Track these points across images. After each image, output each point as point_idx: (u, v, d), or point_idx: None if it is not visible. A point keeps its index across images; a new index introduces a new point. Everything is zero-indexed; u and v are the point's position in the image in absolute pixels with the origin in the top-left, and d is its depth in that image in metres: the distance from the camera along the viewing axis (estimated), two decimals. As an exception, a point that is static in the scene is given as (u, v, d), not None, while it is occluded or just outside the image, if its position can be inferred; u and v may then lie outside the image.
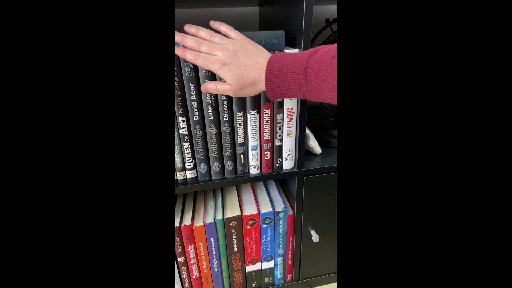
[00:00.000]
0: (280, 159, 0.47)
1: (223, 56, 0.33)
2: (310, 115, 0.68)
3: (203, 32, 0.35)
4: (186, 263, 0.51)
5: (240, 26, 0.67)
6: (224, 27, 0.36)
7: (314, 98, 0.31)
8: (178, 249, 0.49)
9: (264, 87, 0.33)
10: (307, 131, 0.50)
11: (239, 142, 0.44)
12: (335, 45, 0.30)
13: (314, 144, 0.51)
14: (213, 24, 0.37)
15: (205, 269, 0.53)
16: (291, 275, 0.59)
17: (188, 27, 0.35)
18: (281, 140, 0.45)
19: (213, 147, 0.43)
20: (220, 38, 0.34)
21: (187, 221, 0.48)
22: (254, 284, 0.58)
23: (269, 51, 0.38)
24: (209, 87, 0.36)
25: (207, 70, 0.37)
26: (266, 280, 0.58)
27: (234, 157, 0.45)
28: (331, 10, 0.66)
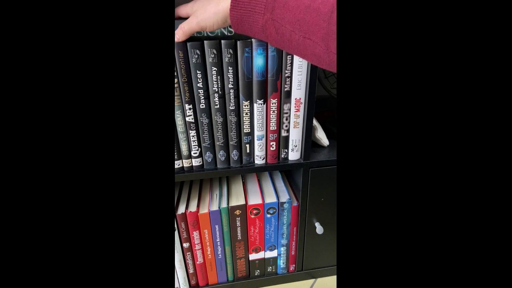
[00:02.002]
0: (286, 150, 0.46)
1: None
2: (319, 106, 0.67)
3: None
4: (191, 248, 0.52)
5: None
6: None
7: (273, 31, 0.30)
8: (184, 234, 0.50)
9: (227, 6, 0.31)
10: (315, 122, 0.49)
11: (245, 131, 0.43)
12: None
13: (321, 136, 0.50)
14: None
15: (209, 255, 0.54)
16: (294, 265, 0.60)
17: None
18: (288, 131, 0.45)
19: (219, 136, 0.43)
20: None
21: (193, 208, 0.49)
22: (257, 272, 0.59)
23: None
24: (178, 33, 0.35)
25: (214, 56, 0.37)
26: (269, 268, 0.59)
27: (239, 147, 0.45)
28: None
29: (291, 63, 0.39)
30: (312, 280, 0.62)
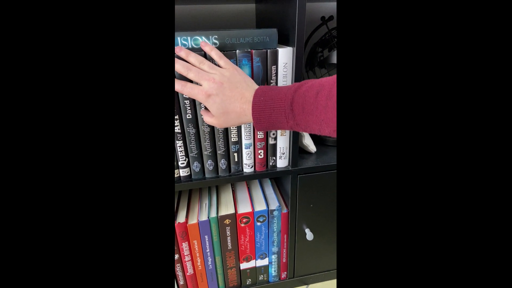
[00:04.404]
0: (274, 158, 0.47)
1: (208, 87, 0.33)
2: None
3: (192, 57, 0.35)
4: (180, 260, 0.51)
5: (237, 23, 0.66)
6: (214, 53, 0.35)
7: (302, 130, 0.32)
8: (173, 246, 0.49)
9: (249, 119, 0.34)
10: (302, 129, 0.50)
11: (232, 140, 0.44)
12: (318, 80, 0.30)
13: (308, 143, 0.51)
14: (204, 46, 0.36)
15: (200, 266, 0.53)
16: (285, 273, 0.60)
17: (178, 50, 0.35)
18: (275, 138, 0.45)
19: (206, 145, 0.43)
20: (209, 66, 0.34)
21: (181, 218, 0.49)
22: (248, 281, 0.58)
23: (262, 49, 0.38)
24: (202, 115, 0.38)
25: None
26: (261, 277, 0.59)
27: (227, 156, 0.45)
28: (327, 7, 0.66)
29: (276, 73, 0.40)
30: (304, 287, 0.62)
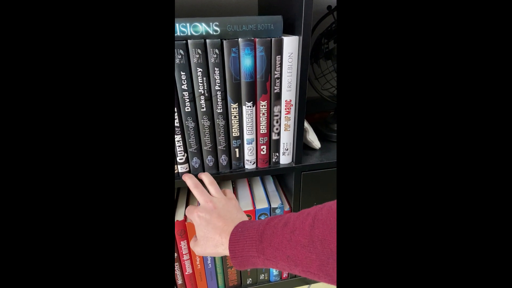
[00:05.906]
0: (277, 154, 0.45)
1: (203, 206, 0.36)
2: (310, 108, 0.66)
3: (206, 178, 0.41)
4: (179, 259, 0.50)
5: (238, 12, 0.64)
6: (211, 187, 0.40)
7: (274, 267, 0.30)
8: (171, 245, 0.48)
9: (225, 251, 0.33)
10: (306, 124, 0.48)
11: (234, 135, 0.41)
12: (290, 214, 0.30)
13: (313, 139, 0.49)
14: (200, 175, 0.41)
15: (199, 266, 0.51)
16: (287, 272, 0.58)
17: (187, 178, 0.40)
18: (279, 134, 0.43)
19: (206, 140, 0.41)
20: (215, 190, 0.39)
21: (180, 216, 0.47)
22: (249, 280, 0.57)
23: (266, 37, 0.36)
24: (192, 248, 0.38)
25: (199, 57, 0.35)
26: (262, 276, 0.57)
27: (228, 151, 0.43)
28: (334, -3, 0.63)
29: (281, 64, 0.38)
30: (305, 287, 0.61)
